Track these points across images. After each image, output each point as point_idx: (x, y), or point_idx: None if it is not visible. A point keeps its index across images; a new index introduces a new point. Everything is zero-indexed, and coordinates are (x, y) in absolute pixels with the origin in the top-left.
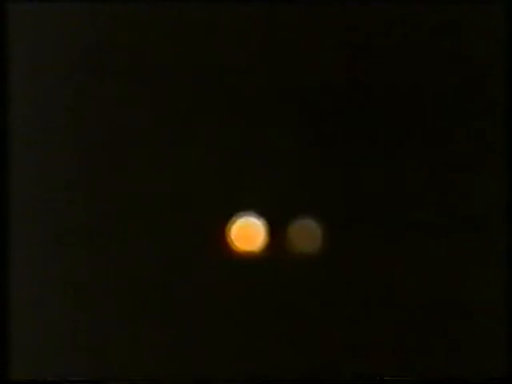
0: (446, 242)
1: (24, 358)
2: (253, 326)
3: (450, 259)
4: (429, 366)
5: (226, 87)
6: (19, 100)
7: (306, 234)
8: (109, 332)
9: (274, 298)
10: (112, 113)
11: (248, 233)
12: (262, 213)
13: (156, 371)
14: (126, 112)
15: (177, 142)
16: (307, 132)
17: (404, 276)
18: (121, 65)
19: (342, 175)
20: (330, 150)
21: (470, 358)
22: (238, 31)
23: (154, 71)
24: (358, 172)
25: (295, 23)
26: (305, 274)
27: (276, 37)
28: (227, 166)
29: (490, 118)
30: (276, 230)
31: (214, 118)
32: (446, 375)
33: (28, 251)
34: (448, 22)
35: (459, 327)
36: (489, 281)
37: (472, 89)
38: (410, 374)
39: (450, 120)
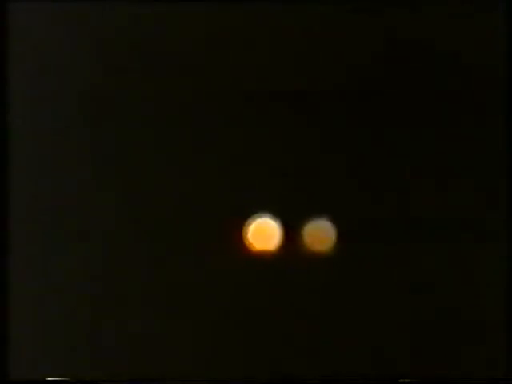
0: (446, 243)
1: (24, 358)
2: (266, 325)
3: (451, 260)
4: (429, 366)
5: (240, 88)
6: (19, 100)
7: (320, 234)
8: (109, 332)
9: (289, 296)
10: (114, 112)
11: (264, 233)
12: (277, 214)
13: (160, 371)
14: (129, 111)
15: (192, 143)
16: (322, 134)
17: (405, 277)
18: (123, 63)
19: (355, 177)
20: (344, 151)
21: (470, 358)
22: (247, 32)
23: (157, 70)
24: (371, 174)
25: (304, 24)
26: (318, 272)
27: (292, 38)
28: (243, 168)
29: (491, 118)
30: (291, 230)
31: (230, 120)
32: (447, 375)
33: (28, 251)
34: (448, 22)
35: (459, 327)
36: (489, 281)
37: (472, 90)
38: (410, 374)
39: (449, 121)
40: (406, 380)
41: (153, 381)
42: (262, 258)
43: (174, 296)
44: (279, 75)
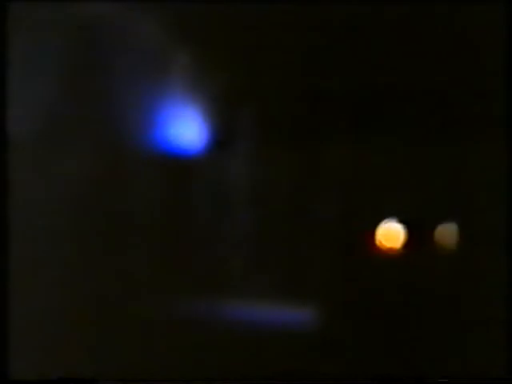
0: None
1: (24, 357)
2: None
3: (451, 260)
4: (429, 366)
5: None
6: (18, 100)
7: (446, 236)
8: (111, 332)
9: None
10: (113, 109)
11: (392, 235)
12: (406, 217)
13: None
14: (128, 108)
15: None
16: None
17: (407, 276)
18: (121, 63)
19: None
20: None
21: (470, 357)
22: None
23: (158, 69)
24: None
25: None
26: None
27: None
28: (377, 175)
29: (491, 118)
30: (419, 233)
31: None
32: (446, 375)
33: (28, 251)
34: (448, 22)
35: (459, 327)
36: (489, 281)
37: (472, 90)
38: (410, 374)
39: (450, 121)
40: (406, 380)
41: (153, 381)
42: (392, 259)
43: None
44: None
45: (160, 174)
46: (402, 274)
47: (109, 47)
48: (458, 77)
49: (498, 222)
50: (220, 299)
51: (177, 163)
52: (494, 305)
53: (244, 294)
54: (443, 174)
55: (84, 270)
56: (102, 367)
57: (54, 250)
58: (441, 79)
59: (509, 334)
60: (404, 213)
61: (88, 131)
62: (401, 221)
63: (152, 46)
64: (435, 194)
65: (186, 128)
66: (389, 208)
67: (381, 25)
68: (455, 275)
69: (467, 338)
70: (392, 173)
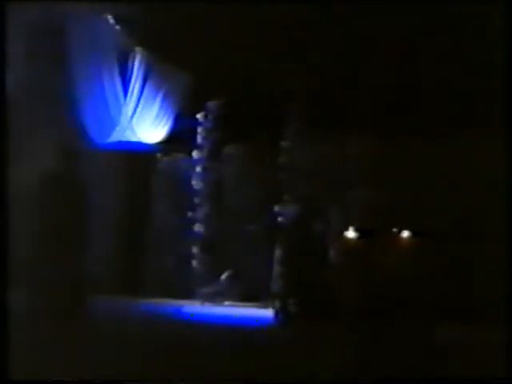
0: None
1: (24, 358)
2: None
3: (452, 262)
4: (429, 366)
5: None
6: (18, 99)
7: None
8: (111, 333)
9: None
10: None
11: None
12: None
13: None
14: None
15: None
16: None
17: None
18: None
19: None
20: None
21: (470, 358)
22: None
23: (122, 67)
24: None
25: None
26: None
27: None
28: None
29: (491, 118)
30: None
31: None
32: (447, 375)
33: (27, 252)
34: (448, 22)
35: (459, 328)
36: (489, 281)
37: (472, 89)
38: (410, 374)
39: (451, 122)
40: (406, 380)
41: (153, 381)
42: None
43: None
44: None
45: (123, 170)
46: (399, 273)
47: (74, 45)
48: (457, 76)
49: (497, 220)
50: (183, 300)
51: (139, 160)
52: (494, 305)
53: (207, 295)
54: (443, 173)
55: (87, 272)
56: (101, 367)
57: (55, 252)
58: (440, 79)
59: (509, 334)
60: (399, 212)
61: (49, 128)
62: (390, 221)
63: (115, 43)
64: (434, 194)
65: (150, 125)
66: (379, 207)
67: (380, 25)
68: (455, 276)
69: (468, 338)
70: (388, 172)
